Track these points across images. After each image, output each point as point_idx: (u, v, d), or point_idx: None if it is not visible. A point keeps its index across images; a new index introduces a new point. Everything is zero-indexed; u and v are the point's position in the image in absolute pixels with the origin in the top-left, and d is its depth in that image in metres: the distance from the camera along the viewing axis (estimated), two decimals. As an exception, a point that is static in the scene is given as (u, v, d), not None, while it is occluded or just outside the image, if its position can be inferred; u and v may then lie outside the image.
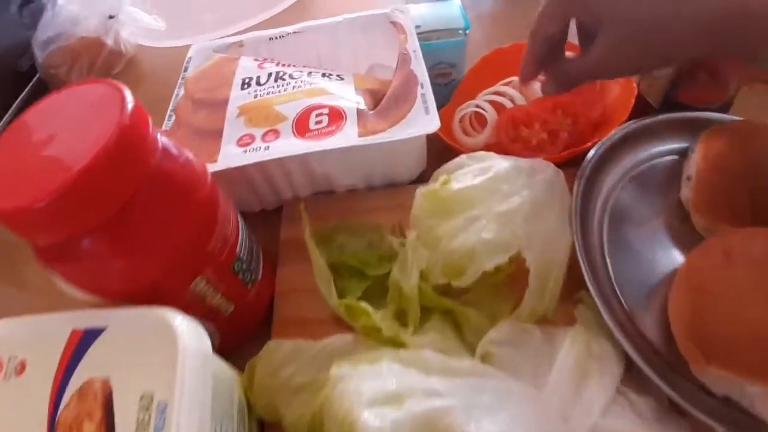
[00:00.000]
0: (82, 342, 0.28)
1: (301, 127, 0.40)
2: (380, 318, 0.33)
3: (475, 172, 0.35)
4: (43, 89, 0.63)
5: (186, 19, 0.69)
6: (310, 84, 0.44)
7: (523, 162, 0.36)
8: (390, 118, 0.39)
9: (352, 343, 0.34)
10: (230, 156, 0.39)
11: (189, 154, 0.32)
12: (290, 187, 0.43)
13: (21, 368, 0.28)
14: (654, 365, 0.31)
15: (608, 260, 0.38)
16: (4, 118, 0.59)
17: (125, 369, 0.26)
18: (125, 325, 0.27)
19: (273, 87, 0.44)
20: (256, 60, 0.48)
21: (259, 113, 0.42)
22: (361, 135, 0.38)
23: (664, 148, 0.44)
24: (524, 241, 0.33)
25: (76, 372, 0.27)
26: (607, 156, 0.42)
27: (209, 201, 0.31)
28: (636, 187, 0.42)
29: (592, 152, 0.41)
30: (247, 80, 0.45)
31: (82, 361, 0.27)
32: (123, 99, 0.27)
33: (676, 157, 0.44)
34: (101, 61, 0.62)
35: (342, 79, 0.45)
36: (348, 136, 0.38)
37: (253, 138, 0.40)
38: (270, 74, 0.46)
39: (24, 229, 0.26)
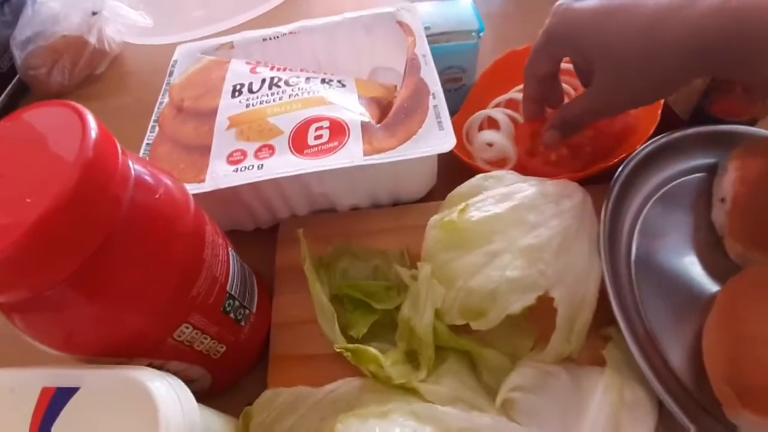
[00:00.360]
0: (54, 402, 0.24)
1: (298, 142, 0.36)
2: (390, 362, 0.30)
3: (496, 197, 0.32)
4: (23, 91, 0.59)
5: (175, 15, 0.64)
6: (309, 92, 0.39)
7: (550, 186, 0.32)
8: (399, 133, 0.36)
9: (359, 389, 0.30)
10: (219, 175, 0.35)
11: (169, 182, 0.28)
12: (287, 206, 0.40)
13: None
14: (687, 408, 0.29)
15: (636, 290, 0.35)
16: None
17: None
18: (100, 386, 0.24)
19: (267, 95, 0.40)
20: (248, 63, 0.44)
21: (252, 126, 0.37)
22: (367, 153, 0.34)
23: (692, 164, 0.41)
24: (553, 280, 0.29)
25: None
26: (633, 175, 0.38)
27: (193, 239, 0.27)
28: (664, 208, 0.39)
29: (620, 170, 0.37)
30: (238, 87, 0.41)
31: (56, 424, 0.24)
32: (85, 127, 0.23)
33: (704, 174, 0.40)
34: (84, 60, 0.57)
35: (343, 85, 0.41)
36: (352, 154, 0.34)
37: (245, 154, 0.36)
38: (263, 80, 0.41)
39: None
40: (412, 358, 0.32)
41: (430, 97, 0.37)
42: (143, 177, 0.26)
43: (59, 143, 0.23)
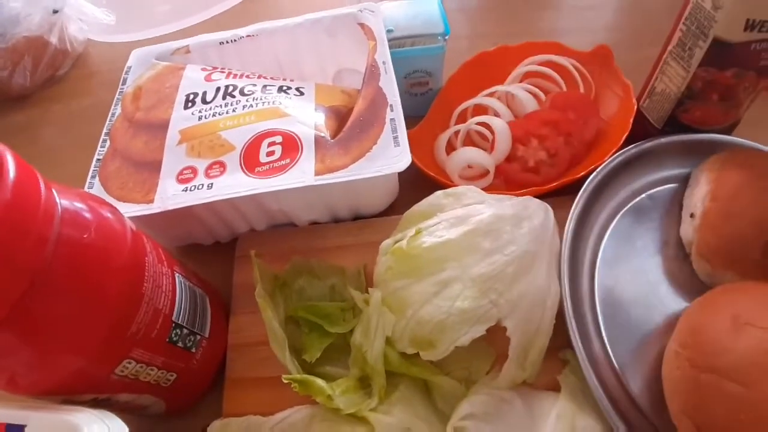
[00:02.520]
0: None
1: (250, 159, 0.34)
2: (339, 391, 0.29)
3: (450, 221, 0.30)
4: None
5: (138, 11, 0.62)
6: (264, 102, 0.38)
7: (509, 207, 0.31)
8: (353, 149, 0.34)
9: (309, 418, 0.30)
10: (168, 195, 0.34)
11: (105, 213, 0.27)
12: (244, 221, 0.39)
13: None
14: None
15: (599, 309, 0.34)
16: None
17: None
18: (43, 426, 0.24)
19: (220, 106, 0.38)
20: (204, 70, 0.42)
21: (203, 141, 0.36)
22: (319, 172, 0.33)
23: (664, 174, 0.39)
24: (506, 310, 0.28)
25: None
26: (601, 186, 0.37)
27: (130, 273, 0.26)
28: (633, 221, 0.38)
29: (587, 183, 0.36)
30: (191, 97, 0.39)
31: None
32: (2, 166, 0.21)
33: (676, 185, 0.39)
34: (46, 61, 0.55)
35: (302, 93, 0.40)
36: (304, 173, 0.33)
37: (195, 172, 0.35)
38: (218, 89, 0.39)
39: None
40: (365, 383, 0.31)
41: (388, 109, 0.36)
42: (72, 212, 0.25)
43: None
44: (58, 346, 0.24)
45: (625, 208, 0.38)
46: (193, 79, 0.41)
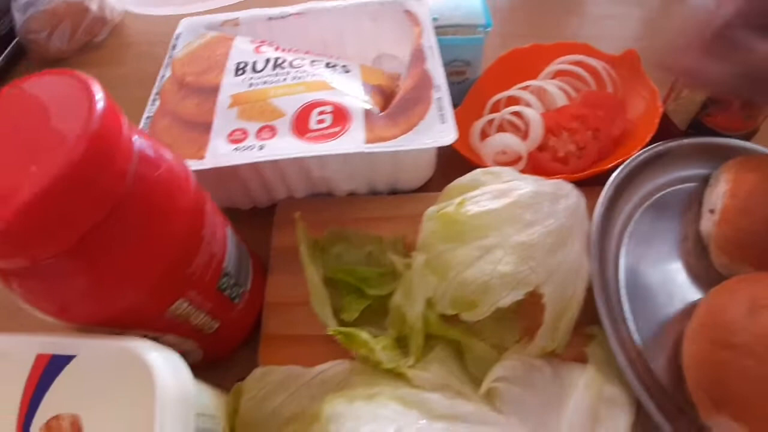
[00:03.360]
0: (49, 369, 0.24)
1: (300, 125, 0.36)
2: (380, 347, 0.30)
3: (493, 193, 0.32)
4: (20, 54, 0.58)
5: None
6: (313, 75, 0.39)
7: (547, 185, 0.33)
8: (401, 123, 0.36)
9: (348, 371, 0.31)
10: (220, 153, 0.35)
11: (170, 157, 0.28)
12: (285, 187, 0.40)
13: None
14: (663, 408, 0.30)
15: (622, 292, 0.36)
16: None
17: (97, 407, 0.23)
18: (96, 355, 0.24)
19: (271, 76, 0.39)
20: (252, 42, 0.43)
21: (254, 106, 0.37)
22: (369, 141, 0.34)
23: (686, 173, 0.41)
24: (543, 277, 0.30)
25: (43, 403, 0.24)
26: (628, 179, 0.39)
27: (193, 215, 0.28)
28: (654, 214, 0.40)
29: (614, 175, 0.38)
30: (241, 65, 0.41)
31: (49, 391, 0.24)
32: (91, 97, 0.22)
33: (696, 184, 0.41)
34: (84, 27, 0.56)
35: (348, 71, 0.41)
36: (355, 140, 0.35)
37: (246, 134, 0.36)
38: (267, 60, 0.41)
39: None
40: (401, 344, 0.32)
41: (434, 89, 0.37)
42: (146, 151, 0.26)
43: (65, 113, 0.22)
44: (122, 278, 0.25)
45: (648, 202, 0.40)
46: (242, 49, 0.42)
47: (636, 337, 0.34)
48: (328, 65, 0.41)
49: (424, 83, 0.38)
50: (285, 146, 0.35)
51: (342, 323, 0.33)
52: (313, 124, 0.36)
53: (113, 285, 0.25)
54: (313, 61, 0.41)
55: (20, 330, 0.26)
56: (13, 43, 0.57)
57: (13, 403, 0.24)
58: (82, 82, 0.23)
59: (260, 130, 0.36)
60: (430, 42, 0.41)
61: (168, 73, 0.42)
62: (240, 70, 0.41)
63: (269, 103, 0.37)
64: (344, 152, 0.34)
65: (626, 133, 0.44)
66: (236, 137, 0.36)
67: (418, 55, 0.40)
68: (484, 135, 0.44)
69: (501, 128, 0.44)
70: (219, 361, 0.35)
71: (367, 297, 0.34)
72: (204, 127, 0.37)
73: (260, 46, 0.43)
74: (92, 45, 0.58)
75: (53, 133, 0.22)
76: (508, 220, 0.31)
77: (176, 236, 0.26)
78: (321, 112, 0.36)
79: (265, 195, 0.40)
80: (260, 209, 0.42)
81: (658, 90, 0.44)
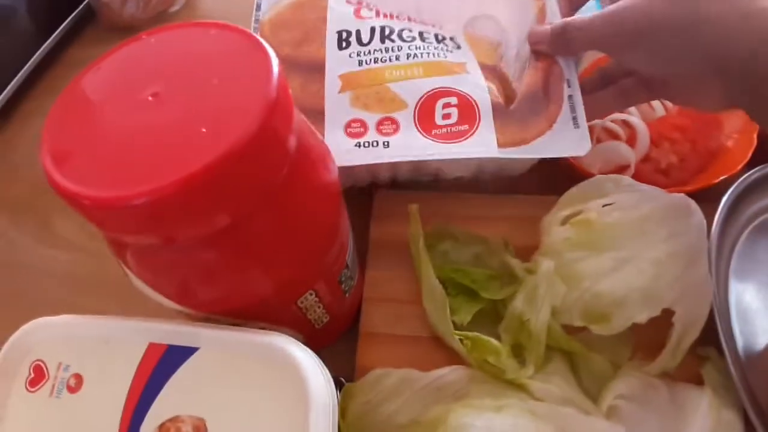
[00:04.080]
0: (164, 362, 0.22)
1: (425, 120, 0.33)
2: (504, 354, 0.29)
3: (623, 204, 0.31)
4: (90, 16, 0.56)
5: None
6: (427, 53, 0.35)
7: (677, 199, 0.32)
8: (531, 125, 0.33)
9: (467, 379, 0.29)
10: (342, 150, 0.32)
11: (318, 135, 0.26)
12: (391, 169, 0.37)
13: (76, 384, 0.23)
14: None
15: (732, 312, 0.35)
16: (46, 44, 0.51)
17: (227, 410, 0.21)
18: (225, 349, 0.22)
19: (380, 52, 0.35)
20: (349, 3, 0.38)
21: (369, 92, 0.34)
22: (501, 144, 0.32)
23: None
24: (678, 295, 0.29)
25: (156, 402, 0.21)
26: (740, 197, 0.38)
27: (336, 199, 0.26)
28: (760, 236, 0.39)
29: (730, 192, 0.37)
30: (344, 35, 0.36)
31: (165, 388, 0.22)
32: (268, 63, 0.20)
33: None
34: (160, -6, 0.54)
35: (459, 46, 0.37)
36: (486, 143, 0.32)
37: (365, 127, 0.33)
38: (373, 30, 0.36)
39: (110, 226, 0.20)
40: (517, 352, 0.31)
41: (565, 84, 0.34)
42: (302, 127, 0.24)
43: (238, 73, 0.20)
44: (266, 265, 0.23)
45: (757, 221, 0.39)
46: (340, 12, 0.37)
47: (744, 360, 0.33)
48: (437, 38, 0.37)
49: (553, 76, 0.34)
50: (413, 145, 0.32)
51: (453, 326, 0.32)
52: (438, 118, 0.33)
53: (256, 272, 0.23)
54: (421, 33, 0.37)
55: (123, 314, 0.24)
56: (81, 6, 0.54)
57: (118, 398, 0.22)
58: (256, 44, 0.21)
59: (380, 122, 0.33)
60: (556, 20, 0.36)
61: None
62: (344, 41, 0.36)
63: (387, 90, 0.34)
64: (478, 156, 0.32)
65: (722, 148, 0.43)
66: (355, 130, 0.33)
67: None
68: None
69: (598, 138, 0.43)
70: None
71: (479, 300, 0.32)
72: (314, 115, 0.33)
73: (360, 8, 0.38)
74: (166, 15, 0.56)
75: (226, 95, 0.19)
76: (643, 234, 0.30)
77: (322, 221, 0.25)
78: (446, 105, 0.33)
79: (366, 174, 0.37)
80: (355, 193, 0.39)
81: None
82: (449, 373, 0.30)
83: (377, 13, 0.38)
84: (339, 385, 0.32)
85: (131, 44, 0.22)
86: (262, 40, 0.21)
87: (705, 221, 0.33)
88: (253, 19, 0.38)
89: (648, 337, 0.31)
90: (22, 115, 0.51)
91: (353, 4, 0.38)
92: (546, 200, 0.36)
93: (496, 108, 0.34)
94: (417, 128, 0.33)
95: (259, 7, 0.38)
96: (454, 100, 0.34)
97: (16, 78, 0.50)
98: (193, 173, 0.17)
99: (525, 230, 0.35)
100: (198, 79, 0.20)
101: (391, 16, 0.38)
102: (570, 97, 0.34)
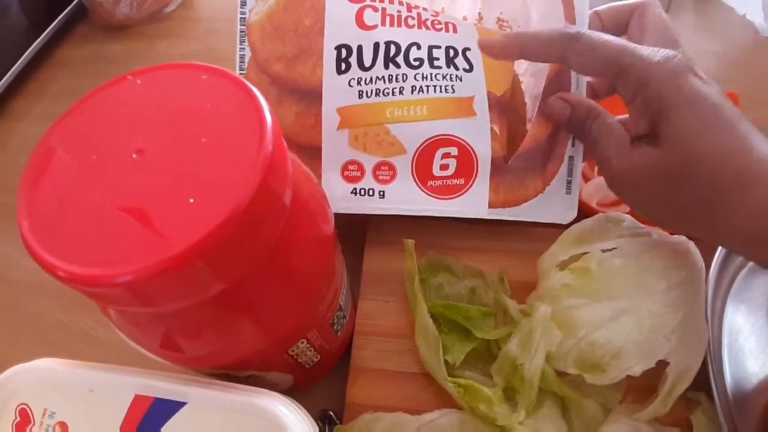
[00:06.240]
0: (151, 416, 0.21)
1: (422, 169, 0.31)
2: (496, 400, 0.29)
3: (623, 251, 0.30)
4: (82, 14, 0.54)
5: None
6: (434, 85, 0.32)
7: (677, 245, 0.31)
8: (528, 184, 0.32)
9: (458, 424, 0.29)
10: (338, 197, 0.31)
11: (314, 178, 0.25)
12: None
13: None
14: None
15: (725, 354, 0.35)
16: (36, 42, 0.49)
17: None
18: (212, 406, 0.21)
19: (384, 81, 0.32)
20: (349, 1, 0.33)
21: (368, 132, 0.31)
22: (492, 204, 0.31)
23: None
24: (673, 346, 0.29)
25: None
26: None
27: (332, 245, 0.25)
28: (759, 274, 0.38)
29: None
30: (344, 53, 0.32)
31: None
32: (260, 113, 0.19)
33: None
34: (154, -4, 0.52)
35: (471, 68, 0.33)
36: (478, 203, 0.31)
37: (362, 170, 0.31)
38: (377, 47, 0.32)
39: (92, 296, 0.18)
40: (508, 396, 0.31)
41: (569, 143, 0.33)
42: (298, 176, 0.23)
43: (227, 127, 0.19)
44: (260, 324, 0.22)
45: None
46: (339, 18, 0.32)
47: (732, 405, 0.33)
48: (448, 57, 0.33)
49: (562, 133, 0.33)
50: (408, 198, 0.31)
51: (444, 365, 0.31)
52: (436, 169, 0.32)
53: (245, 330, 0.22)
54: (431, 49, 0.33)
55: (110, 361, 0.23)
56: (73, 4, 0.52)
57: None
58: (243, 89, 0.20)
59: (378, 166, 0.32)
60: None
61: (247, 53, 0.33)
62: (342, 62, 0.32)
63: (387, 132, 0.32)
64: (466, 216, 0.31)
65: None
66: (352, 173, 0.32)
67: (560, 84, 0.33)
68: (585, 177, 0.42)
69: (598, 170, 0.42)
70: (303, 390, 0.33)
71: (472, 339, 0.32)
72: (311, 151, 0.32)
73: (363, 8, 0.33)
74: (160, 15, 0.54)
75: (216, 155, 0.18)
76: (643, 285, 0.29)
77: (318, 271, 0.24)
78: (445, 155, 0.32)
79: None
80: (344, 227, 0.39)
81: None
82: (440, 417, 0.29)
83: (383, 19, 0.33)
84: (329, 421, 0.31)
85: (115, 86, 0.21)
86: (254, 90, 0.20)
87: (704, 266, 0.33)
88: (239, 18, 0.33)
89: (640, 381, 0.31)
90: (11, 116, 0.50)
91: (355, 2, 0.33)
92: (545, 234, 0.35)
93: (494, 164, 0.32)
94: (414, 178, 0.32)
95: (244, 2, 0.33)
96: (454, 150, 0.32)
97: (6, 76, 0.49)
98: (181, 251, 0.16)
99: (523, 264, 0.35)
100: (186, 134, 0.19)
101: (398, 23, 0.33)
102: (571, 158, 0.33)
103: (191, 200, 0.17)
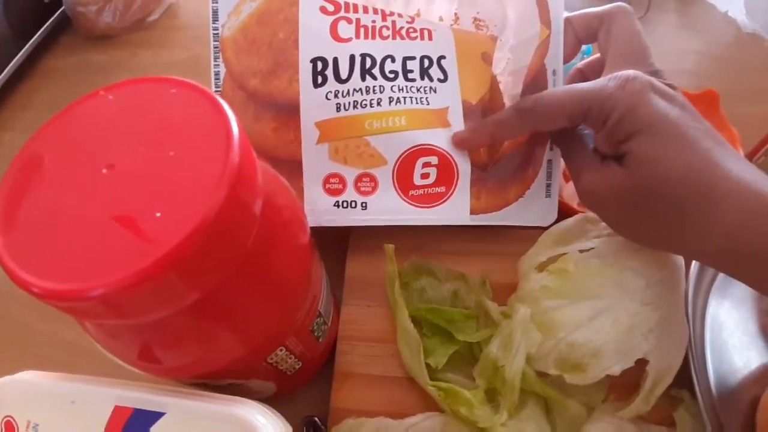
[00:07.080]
0: (131, 426, 0.22)
1: (403, 179, 0.32)
2: (477, 402, 0.29)
3: (602, 251, 0.30)
4: (66, 24, 0.54)
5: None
6: (410, 97, 0.33)
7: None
8: (508, 190, 0.32)
9: (440, 427, 0.29)
10: (320, 210, 0.31)
11: (289, 188, 0.25)
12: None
13: (43, 442, 0.22)
14: None
15: (707, 350, 0.35)
16: (21, 52, 0.49)
17: None
18: (191, 415, 0.21)
19: (361, 93, 0.32)
20: (323, 13, 0.32)
21: (349, 145, 0.32)
22: (474, 210, 0.32)
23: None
24: (653, 344, 0.29)
25: None
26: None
27: (309, 253, 0.25)
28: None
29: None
30: (320, 66, 0.32)
31: None
32: (227, 125, 0.19)
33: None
34: (138, 4, 0.52)
35: (445, 78, 0.33)
36: (460, 210, 0.32)
37: (343, 183, 0.32)
38: (352, 59, 0.32)
39: (73, 313, 0.19)
40: (491, 397, 0.31)
41: (547, 146, 0.33)
42: (270, 186, 0.23)
43: (193, 140, 0.19)
44: (236, 334, 0.22)
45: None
46: (314, 31, 0.32)
47: (716, 401, 0.34)
48: (422, 68, 0.33)
49: (539, 138, 0.33)
50: (389, 207, 0.32)
51: (428, 368, 0.32)
52: (417, 178, 0.32)
53: (222, 339, 0.22)
54: (405, 60, 0.33)
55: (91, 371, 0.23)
56: (57, 14, 0.52)
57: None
58: (211, 101, 0.20)
59: (359, 178, 0.32)
60: (556, 64, 0.33)
61: (222, 69, 0.32)
62: (319, 75, 0.32)
63: (366, 144, 0.32)
64: (449, 223, 0.31)
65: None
66: (333, 186, 0.32)
67: (537, 84, 0.33)
68: (566, 177, 0.42)
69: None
70: (286, 396, 0.33)
71: (454, 342, 0.32)
72: (292, 166, 0.32)
73: (337, 20, 0.33)
74: (144, 24, 0.54)
75: (185, 168, 0.18)
76: (621, 284, 0.29)
77: (294, 281, 0.24)
78: (426, 164, 0.32)
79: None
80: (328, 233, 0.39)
81: (738, 134, 0.43)
82: (423, 420, 0.30)
83: (357, 28, 0.33)
84: (314, 427, 0.32)
85: (88, 101, 0.21)
86: (221, 102, 0.20)
87: (684, 264, 0.33)
88: (211, 34, 0.33)
89: (622, 378, 0.31)
90: (-4, 127, 0.50)
91: (328, 14, 0.33)
92: (526, 236, 0.35)
93: (475, 169, 0.33)
94: (395, 188, 0.32)
95: (216, 17, 0.33)
96: (434, 159, 0.32)
97: (-9, 87, 0.49)
98: (153, 262, 0.16)
99: (504, 267, 0.35)
100: (156, 147, 0.19)
101: (372, 27, 0.33)
102: (549, 162, 0.33)
103: (160, 213, 0.17)
